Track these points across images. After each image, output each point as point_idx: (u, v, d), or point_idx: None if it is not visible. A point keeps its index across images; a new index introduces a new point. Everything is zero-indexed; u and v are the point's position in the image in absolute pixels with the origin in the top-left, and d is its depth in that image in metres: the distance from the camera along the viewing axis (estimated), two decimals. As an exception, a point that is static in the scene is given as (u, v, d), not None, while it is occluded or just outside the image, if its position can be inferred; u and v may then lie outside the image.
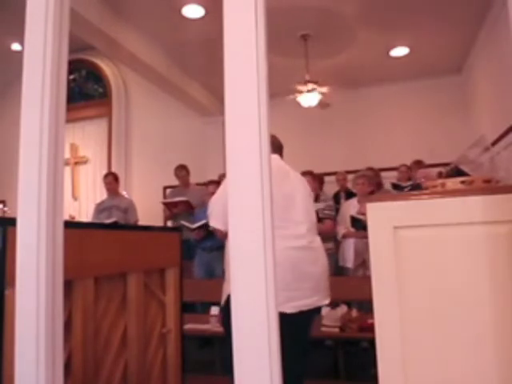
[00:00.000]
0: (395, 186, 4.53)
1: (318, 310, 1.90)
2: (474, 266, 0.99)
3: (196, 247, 4.21)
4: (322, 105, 5.01)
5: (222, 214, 1.77)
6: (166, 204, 4.76)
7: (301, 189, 1.99)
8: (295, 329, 1.67)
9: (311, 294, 1.79)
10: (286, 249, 1.71)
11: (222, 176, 4.38)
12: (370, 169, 4.52)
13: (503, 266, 0.97)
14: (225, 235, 1.82)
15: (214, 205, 1.87)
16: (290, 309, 1.70)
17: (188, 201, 4.49)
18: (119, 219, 4.51)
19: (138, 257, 2.12)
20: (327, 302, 1.90)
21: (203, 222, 3.77)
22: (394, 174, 5.16)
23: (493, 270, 0.97)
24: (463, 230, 1.00)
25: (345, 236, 3.88)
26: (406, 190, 4.53)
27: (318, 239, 1.96)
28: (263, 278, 1.04)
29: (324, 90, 4.81)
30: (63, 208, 1.35)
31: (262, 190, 1.05)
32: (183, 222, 4.14)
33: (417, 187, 4.55)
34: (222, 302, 1.84)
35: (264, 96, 1.08)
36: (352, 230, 3.82)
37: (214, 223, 1.84)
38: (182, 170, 4.90)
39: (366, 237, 3.59)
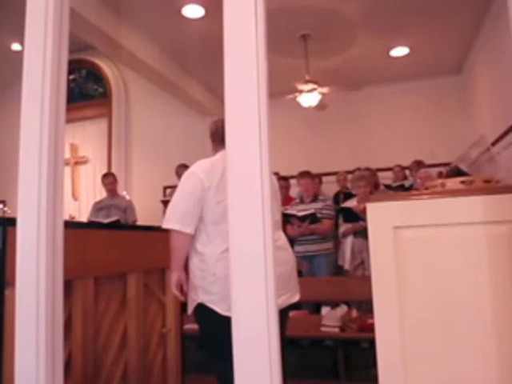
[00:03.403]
0: (387, 187, 4.57)
1: (290, 307, 1.86)
2: (474, 266, 0.99)
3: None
4: (320, 106, 5.01)
5: (186, 216, 1.70)
6: (165, 203, 4.76)
7: None
8: None
9: (279, 294, 1.76)
10: None
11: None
12: (367, 169, 4.52)
13: (503, 266, 0.97)
14: (183, 242, 1.74)
15: (175, 208, 1.74)
16: None
17: None
18: (119, 218, 4.51)
19: (137, 257, 2.13)
20: (297, 298, 1.87)
21: None
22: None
23: (493, 269, 0.97)
24: (463, 230, 1.00)
25: (344, 234, 3.87)
26: (395, 189, 4.59)
27: (282, 236, 1.91)
28: (263, 279, 1.04)
29: (324, 90, 4.81)
30: (63, 208, 1.35)
31: (262, 190, 1.05)
32: None
33: (404, 186, 4.60)
34: (191, 310, 1.79)
35: (264, 96, 1.08)
36: (348, 225, 3.81)
37: (181, 226, 1.70)
38: (183, 169, 4.91)
39: (362, 227, 3.54)
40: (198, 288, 1.74)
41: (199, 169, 1.78)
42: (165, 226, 1.75)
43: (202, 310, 1.72)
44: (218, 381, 1.76)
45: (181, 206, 1.74)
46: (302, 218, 3.75)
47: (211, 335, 1.73)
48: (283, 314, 1.84)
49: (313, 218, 3.76)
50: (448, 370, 0.99)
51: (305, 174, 4.02)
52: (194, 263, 1.78)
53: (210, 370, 1.82)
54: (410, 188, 4.57)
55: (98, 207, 4.85)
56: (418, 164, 4.62)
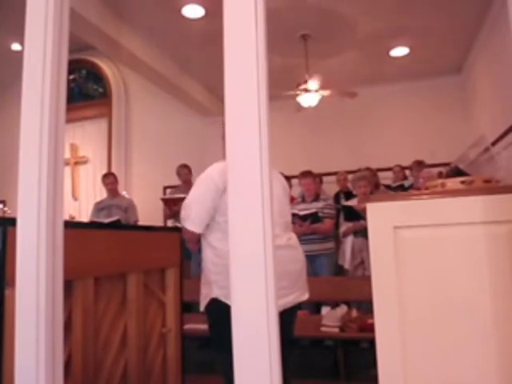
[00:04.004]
0: (386, 187, 4.59)
1: (298, 306, 1.92)
2: (474, 266, 0.99)
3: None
4: (350, 95, 4.98)
5: (197, 217, 1.83)
6: (165, 201, 4.75)
7: (278, 188, 1.98)
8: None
9: (290, 292, 1.81)
10: None
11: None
12: (368, 169, 4.53)
13: (503, 266, 0.97)
14: (197, 239, 1.91)
15: (189, 208, 1.87)
16: None
17: None
18: (120, 218, 4.51)
19: (138, 257, 2.12)
20: (306, 297, 1.93)
21: None
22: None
23: (493, 269, 0.97)
24: (463, 230, 1.00)
25: (345, 233, 3.88)
26: (395, 189, 4.61)
27: (293, 236, 1.98)
28: (263, 279, 1.03)
29: (326, 92, 4.81)
30: (63, 208, 1.35)
31: (262, 190, 1.05)
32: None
33: (403, 186, 4.61)
34: (204, 305, 1.87)
35: (264, 96, 1.08)
36: (349, 224, 3.82)
37: (192, 226, 1.85)
38: (183, 169, 4.93)
39: (363, 226, 3.58)
40: (212, 283, 1.81)
41: (214, 171, 1.87)
42: (184, 224, 1.89)
43: (216, 305, 1.77)
44: (225, 377, 1.77)
45: (195, 206, 1.85)
46: (304, 217, 3.76)
47: (223, 329, 1.74)
48: (291, 312, 1.86)
49: (314, 218, 3.77)
50: (448, 370, 0.99)
51: (306, 174, 4.04)
52: (208, 257, 1.85)
53: (212, 370, 1.83)
54: (410, 188, 4.57)
55: (99, 207, 4.85)
56: (419, 164, 4.62)
